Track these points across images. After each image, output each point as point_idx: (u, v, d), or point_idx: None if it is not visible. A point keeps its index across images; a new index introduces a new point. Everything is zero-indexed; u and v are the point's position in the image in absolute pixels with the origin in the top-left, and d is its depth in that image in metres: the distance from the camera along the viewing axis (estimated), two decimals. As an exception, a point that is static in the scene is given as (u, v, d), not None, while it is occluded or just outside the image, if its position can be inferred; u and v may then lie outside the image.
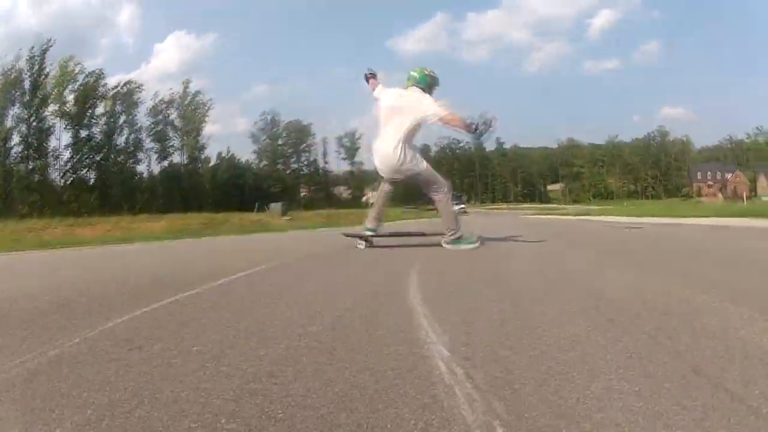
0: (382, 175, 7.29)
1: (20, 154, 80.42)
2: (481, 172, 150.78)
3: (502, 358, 1.93)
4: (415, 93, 6.90)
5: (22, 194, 73.54)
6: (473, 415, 1.45)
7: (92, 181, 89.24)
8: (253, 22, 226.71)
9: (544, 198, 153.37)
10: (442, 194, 7.02)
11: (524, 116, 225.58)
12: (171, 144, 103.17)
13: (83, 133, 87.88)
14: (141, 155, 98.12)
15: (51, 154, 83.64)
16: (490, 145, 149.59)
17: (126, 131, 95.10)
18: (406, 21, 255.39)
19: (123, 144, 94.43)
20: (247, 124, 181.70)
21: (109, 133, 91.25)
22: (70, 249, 12.03)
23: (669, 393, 1.57)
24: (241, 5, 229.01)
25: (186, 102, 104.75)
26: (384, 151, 6.92)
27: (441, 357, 1.96)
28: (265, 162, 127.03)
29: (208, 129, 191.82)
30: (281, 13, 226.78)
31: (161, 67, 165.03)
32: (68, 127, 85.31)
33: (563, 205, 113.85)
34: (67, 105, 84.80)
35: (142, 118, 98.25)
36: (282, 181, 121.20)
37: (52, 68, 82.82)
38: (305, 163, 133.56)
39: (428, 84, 7.02)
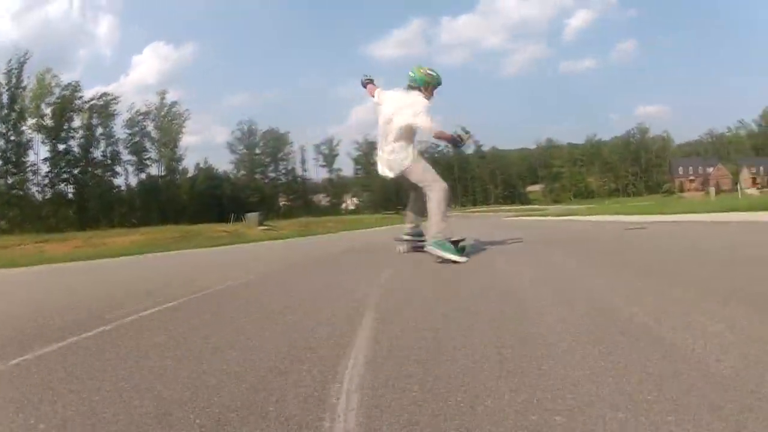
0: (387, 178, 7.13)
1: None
2: (460, 175, 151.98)
3: None
4: (410, 97, 6.75)
5: (2, 209, 75.11)
6: None
7: (70, 195, 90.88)
8: (231, 32, 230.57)
9: (524, 199, 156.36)
10: (433, 193, 6.64)
11: (502, 118, 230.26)
12: (148, 156, 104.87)
13: (60, 147, 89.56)
14: (118, 168, 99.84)
15: (29, 168, 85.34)
16: (468, 147, 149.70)
17: (103, 144, 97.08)
18: (381, 27, 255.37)
19: (100, 157, 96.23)
20: (226, 135, 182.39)
21: (86, 146, 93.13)
22: (34, 267, 11.80)
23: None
24: (218, 15, 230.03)
25: (162, 113, 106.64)
26: (381, 157, 6.97)
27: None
28: (243, 172, 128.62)
29: (186, 140, 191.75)
30: (259, 22, 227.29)
31: (140, 78, 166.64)
32: (45, 140, 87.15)
33: (544, 206, 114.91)
34: (45, 118, 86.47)
35: (119, 130, 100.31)
36: (260, 191, 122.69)
37: (29, 81, 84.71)
38: (283, 171, 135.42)
39: (425, 83, 6.81)
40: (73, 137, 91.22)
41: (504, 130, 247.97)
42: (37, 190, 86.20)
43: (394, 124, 6.67)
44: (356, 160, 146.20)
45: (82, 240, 23.11)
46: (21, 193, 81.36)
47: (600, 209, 38.28)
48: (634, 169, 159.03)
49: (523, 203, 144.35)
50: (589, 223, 17.83)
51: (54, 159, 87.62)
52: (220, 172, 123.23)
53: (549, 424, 1.41)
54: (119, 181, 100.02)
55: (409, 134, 6.74)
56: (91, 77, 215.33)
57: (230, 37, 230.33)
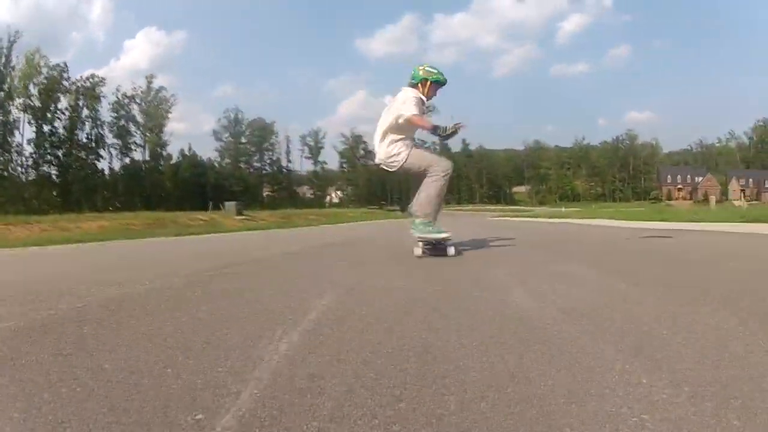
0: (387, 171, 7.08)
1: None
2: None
3: None
4: (404, 94, 6.83)
5: (-13, 190, 74.55)
6: None
7: (53, 177, 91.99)
8: (223, 22, 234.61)
9: (509, 200, 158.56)
10: (429, 178, 6.63)
11: (491, 118, 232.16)
12: (133, 140, 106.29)
13: (46, 128, 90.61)
14: (102, 152, 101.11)
15: (15, 149, 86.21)
16: (455, 146, 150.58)
17: (88, 126, 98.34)
18: (374, 22, 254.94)
19: (84, 139, 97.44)
20: (214, 124, 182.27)
21: (72, 128, 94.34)
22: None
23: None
24: (211, 3, 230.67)
25: (149, 97, 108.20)
26: (378, 154, 6.99)
27: None
28: (227, 160, 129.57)
29: (174, 127, 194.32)
30: (251, 13, 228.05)
31: (131, 63, 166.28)
32: (32, 121, 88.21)
33: (530, 207, 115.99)
34: (32, 98, 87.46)
35: (105, 113, 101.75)
36: (244, 180, 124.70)
37: (18, 61, 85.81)
38: (268, 162, 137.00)
39: (422, 80, 6.87)
40: (59, 118, 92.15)
41: (492, 130, 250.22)
42: (21, 171, 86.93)
43: (385, 120, 6.83)
44: (342, 154, 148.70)
45: (50, 223, 23.21)
46: (5, 173, 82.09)
47: (592, 213, 37.72)
48: (622, 174, 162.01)
49: (508, 204, 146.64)
50: (592, 228, 16.25)
51: (39, 140, 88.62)
52: (205, 159, 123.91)
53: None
54: (103, 164, 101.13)
55: (401, 129, 6.79)
56: (84, 60, 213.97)
57: (222, 27, 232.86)
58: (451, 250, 6.57)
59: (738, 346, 2.09)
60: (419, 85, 6.87)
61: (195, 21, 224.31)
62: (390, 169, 6.88)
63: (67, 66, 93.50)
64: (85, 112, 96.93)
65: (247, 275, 5.11)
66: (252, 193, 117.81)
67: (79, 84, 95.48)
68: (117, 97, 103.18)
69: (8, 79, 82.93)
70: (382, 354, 2.10)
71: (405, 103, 6.67)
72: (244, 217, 38.43)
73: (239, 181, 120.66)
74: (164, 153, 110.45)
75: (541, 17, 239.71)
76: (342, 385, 1.73)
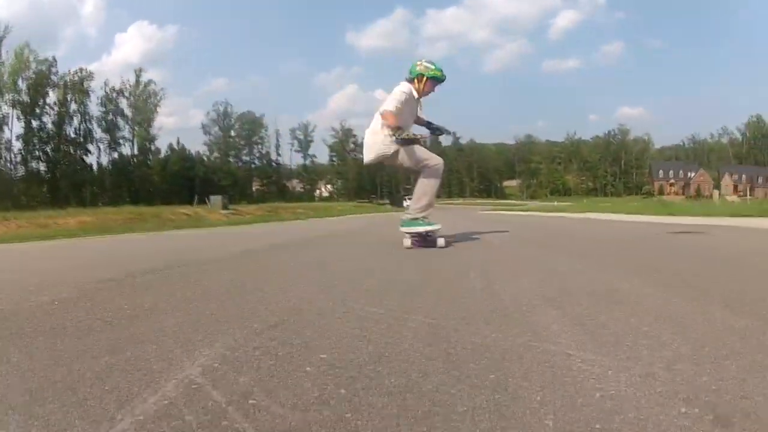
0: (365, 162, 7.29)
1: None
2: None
3: None
4: (396, 87, 6.88)
5: (-26, 187, 75.21)
6: None
7: (42, 173, 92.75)
8: (214, 16, 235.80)
9: (500, 194, 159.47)
10: (427, 173, 6.79)
11: (482, 112, 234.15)
12: (121, 135, 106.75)
13: (34, 123, 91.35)
14: (91, 146, 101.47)
15: (3, 145, 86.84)
16: (446, 140, 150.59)
17: (76, 121, 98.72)
18: (366, 16, 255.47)
19: (73, 134, 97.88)
20: (204, 117, 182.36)
21: (60, 123, 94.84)
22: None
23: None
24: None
25: (138, 91, 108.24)
26: (365, 141, 7.11)
27: None
28: (216, 154, 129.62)
29: (164, 121, 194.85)
30: (242, 6, 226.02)
31: (122, 58, 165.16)
32: (20, 117, 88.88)
33: (522, 201, 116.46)
34: (21, 93, 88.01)
35: (94, 108, 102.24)
36: (233, 174, 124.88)
37: (8, 56, 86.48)
38: (257, 155, 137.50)
39: (419, 75, 6.92)
40: (47, 113, 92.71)
41: (483, 125, 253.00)
42: (10, 168, 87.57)
43: (377, 113, 6.86)
44: (332, 147, 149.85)
45: (28, 220, 22.95)
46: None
47: (588, 207, 36.40)
48: (614, 169, 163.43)
49: (498, 198, 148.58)
50: (601, 223, 14.89)
51: (27, 135, 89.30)
52: (193, 153, 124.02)
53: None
54: (91, 159, 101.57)
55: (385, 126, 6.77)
56: (75, 56, 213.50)
57: (214, 21, 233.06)
58: (441, 242, 6.60)
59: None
60: (415, 80, 6.93)
61: (187, 15, 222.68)
62: (368, 156, 6.95)
63: (55, 60, 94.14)
64: (74, 106, 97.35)
65: (146, 288, 3.89)
66: (241, 187, 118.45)
67: (67, 78, 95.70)
68: (105, 92, 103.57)
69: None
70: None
71: (389, 97, 6.77)
72: (229, 211, 37.80)
73: (228, 175, 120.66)
74: (153, 147, 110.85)
75: (533, 13, 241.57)
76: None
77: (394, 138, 6.64)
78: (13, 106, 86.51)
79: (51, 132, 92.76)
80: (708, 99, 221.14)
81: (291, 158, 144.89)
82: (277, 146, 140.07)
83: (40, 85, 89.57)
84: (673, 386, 1.58)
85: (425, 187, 6.76)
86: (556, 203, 76.40)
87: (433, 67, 6.96)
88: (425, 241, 6.74)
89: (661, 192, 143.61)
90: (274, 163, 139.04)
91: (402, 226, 6.82)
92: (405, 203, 8.40)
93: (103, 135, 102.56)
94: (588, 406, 1.46)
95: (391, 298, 3.16)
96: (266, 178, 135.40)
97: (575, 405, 1.47)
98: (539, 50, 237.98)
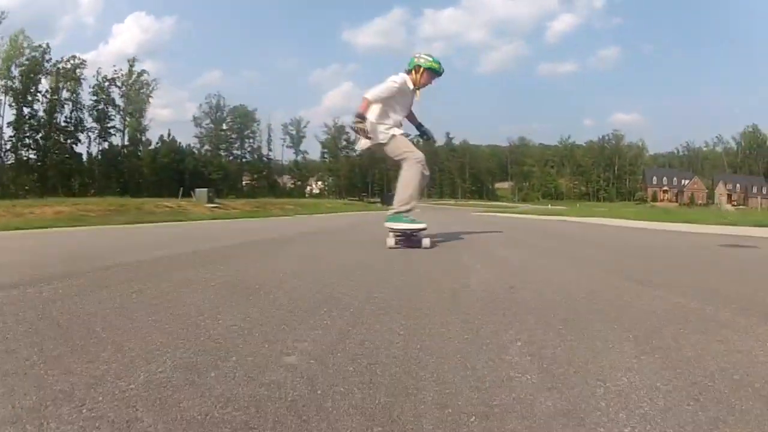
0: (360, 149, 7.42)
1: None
2: (428, 167, 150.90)
3: None
4: (391, 77, 6.92)
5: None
6: None
7: (31, 161, 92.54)
8: (212, 9, 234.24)
9: (491, 196, 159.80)
10: (407, 165, 6.82)
11: (475, 113, 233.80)
12: (112, 125, 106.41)
13: (26, 110, 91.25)
14: (81, 136, 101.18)
15: None
16: (439, 139, 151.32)
17: (67, 109, 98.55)
18: (363, 14, 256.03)
19: (64, 123, 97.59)
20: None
21: (51, 111, 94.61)
22: None
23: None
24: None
25: (130, 81, 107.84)
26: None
27: None
28: (207, 147, 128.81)
29: (159, 113, 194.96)
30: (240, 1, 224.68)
31: (119, 48, 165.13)
32: (12, 104, 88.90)
33: (513, 204, 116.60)
34: (14, 80, 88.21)
35: (85, 96, 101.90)
36: (224, 168, 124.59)
37: (2, 42, 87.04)
38: (248, 149, 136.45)
39: (416, 66, 6.97)
40: (38, 101, 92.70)
41: (476, 126, 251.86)
42: (0, 155, 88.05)
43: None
44: (324, 144, 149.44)
45: (5, 209, 22.06)
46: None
47: (585, 211, 34.96)
48: (607, 174, 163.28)
49: (490, 199, 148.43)
50: (620, 230, 12.98)
51: (18, 123, 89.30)
52: (184, 146, 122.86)
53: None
54: (81, 148, 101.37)
55: (380, 112, 6.83)
56: (72, 45, 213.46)
57: (211, 14, 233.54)
58: (426, 242, 6.53)
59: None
60: (413, 71, 6.99)
61: (184, 6, 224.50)
62: (360, 143, 7.02)
63: (49, 47, 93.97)
64: (65, 94, 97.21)
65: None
66: (231, 181, 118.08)
67: (60, 66, 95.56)
68: (98, 80, 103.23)
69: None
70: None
71: (378, 85, 6.81)
72: (214, 205, 37.46)
73: (219, 169, 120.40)
74: (144, 138, 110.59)
75: (531, 15, 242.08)
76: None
77: (389, 128, 6.82)
78: (6, 93, 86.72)
79: (42, 120, 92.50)
80: (703, 107, 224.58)
81: (283, 154, 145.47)
82: (269, 141, 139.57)
83: (33, 71, 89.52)
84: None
85: (405, 180, 6.80)
86: (549, 206, 75.98)
87: (430, 58, 7.05)
88: (410, 241, 6.71)
89: (654, 199, 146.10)
90: (265, 158, 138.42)
91: (386, 221, 6.82)
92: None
93: (94, 124, 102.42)
94: None
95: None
96: (257, 172, 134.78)
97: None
98: (536, 53, 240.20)
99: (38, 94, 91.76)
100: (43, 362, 1.89)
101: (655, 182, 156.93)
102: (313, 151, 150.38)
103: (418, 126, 7.62)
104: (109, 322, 2.55)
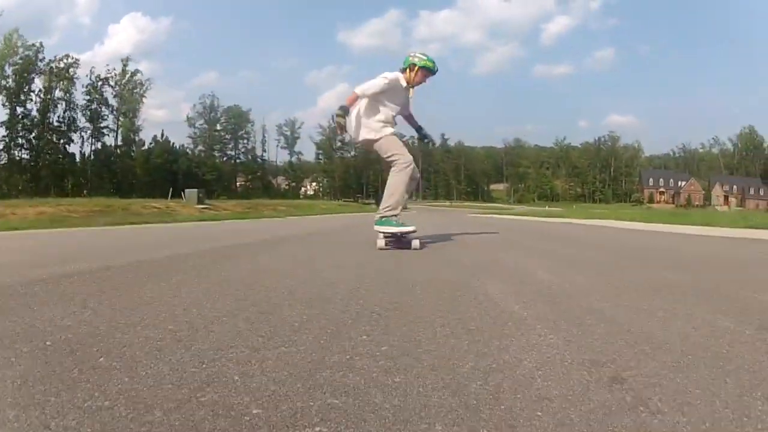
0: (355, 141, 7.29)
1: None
2: (423, 168, 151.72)
3: None
4: (383, 73, 6.85)
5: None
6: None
7: (24, 161, 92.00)
8: (208, 10, 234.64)
9: (486, 197, 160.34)
10: (396, 169, 6.75)
11: (470, 114, 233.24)
12: (106, 125, 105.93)
13: (19, 110, 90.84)
14: (74, 135, 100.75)
15: None
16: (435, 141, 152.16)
17: (60, 109, 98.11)
18: (359, 16, 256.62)
19: (56, 122, 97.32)
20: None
21: (44, 111, 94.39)
22: None
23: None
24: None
25: (124, 81, 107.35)
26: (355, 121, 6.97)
27: None
28: (200, 147, 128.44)
29: (154, 114, 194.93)
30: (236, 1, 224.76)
31: (115, 49, 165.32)
32: (6, 103, 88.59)
33: (509, 205, 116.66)
34: (7, 79, 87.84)
35: (79, 96, 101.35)
36: (217, 168, 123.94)
37: None
38: (242, 150, 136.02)
39: (410, 65, 6.90)
40: (31, 100, 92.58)
41: (472, 127, 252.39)
42: None
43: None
44: (318, 145, 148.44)
45: None
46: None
47: (584, 213, 33.72)
48: (603, 176, 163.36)
49: (485, 201, 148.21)
50: (643, 234, 11.86)
51: (11, 122, 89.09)
52: (178, 146, 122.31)
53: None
54: (74, 149, 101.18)
55: (371, 107, 6.83)
56: (68, 45, 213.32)
57: (207, 15, 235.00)
58: (416, 243, 6.55)
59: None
60: (407, 69, 6.94)
61: (180, 7, 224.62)
62: (354, 135, 6.98)
63: (42, 46, 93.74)
64: (59, 94, 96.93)
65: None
66: (225, 182, 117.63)
67: (53, 65, 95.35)
68: (91, 79, 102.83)
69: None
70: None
71: (369, 81, 6.79)
72: (204, 206, 36.69)
73: (212, 170, 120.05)
74: (137, 138, 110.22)
75: (526, 17, 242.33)
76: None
77: (381, 125, 6.80)
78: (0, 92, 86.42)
79: (35, 119, 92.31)
80: (699, 109, 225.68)
81: (277, 155, 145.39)
82: (264, 142, 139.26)
83: (26, 70, 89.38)
84: None
85: (393, 186, 6.78)
86: (547, 208, 75.65)
87: (425, 57, 7.03)
88: (400, 242, 6.77)
89: (651, 200, 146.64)
90: (259, 159, 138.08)
91: (375, 224, 6.83)
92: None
93: (87, 124, 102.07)
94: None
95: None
96: (251, 173, 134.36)
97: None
98: (531, 54, 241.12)
99: (31, 93, 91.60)
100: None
101: (651, 184, 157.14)
102: (308, 152, 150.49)
103: (418, 129, 7.69)
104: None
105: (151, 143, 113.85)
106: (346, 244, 8.18)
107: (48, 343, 2.11)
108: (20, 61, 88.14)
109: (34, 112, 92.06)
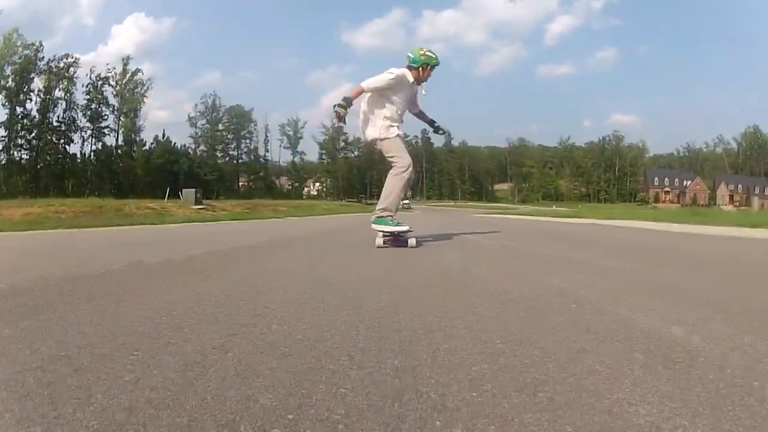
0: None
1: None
2: (427, 167, 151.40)
3: None
4: (390, 69, 6.94)
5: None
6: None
7: (24, 161, 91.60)
8: (211, 10, 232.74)
9: (490, 197, 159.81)
10: (395, 171, 6.92)
11: (474, 114, 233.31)
12: (106, 125, 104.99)
13: (19, 110, 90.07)
14: (74, 136, 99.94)
15: None
16: (438, 140, 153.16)
17: (60, 109, 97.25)
18: (362, 15, 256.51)
19: (56, 122, 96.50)
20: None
21: (44, 111, 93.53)
22: None
23: None
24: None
25: (124, 80, 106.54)
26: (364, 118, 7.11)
27: None
28: (202, 147, 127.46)
29: (157, 114, 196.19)
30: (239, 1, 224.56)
31: (118, 49, 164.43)
32: (5, 103, 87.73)
33: (514, 205, 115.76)
34: (7, 79, 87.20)
35: (79, 96, 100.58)
36: (219, 169, 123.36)
37: None
38: (245, 150, 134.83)
39: (423, 64, 6.96)
40: (31, 100, 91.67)
41: (475, 127, 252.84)
42: None
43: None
44: (322, 145, 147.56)
45: None
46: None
47: (600, 213, 29.75)
48: (608, 175, 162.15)
49: (489, 201, 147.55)
50: (700, 239, 9.94)
51: (10, 122, 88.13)
52: (179, 147, 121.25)
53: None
54: (74, 149, 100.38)
55: (373, 105, 6.95)
56: (72, 46, 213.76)
57: (210, 15, 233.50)
58: (412, 242, 6.77)
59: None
60: (420, 68, 7.00)
61: (183, 8, 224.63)
62: (364, 136, 7.22)
63: (42, 45, 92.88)
64: (58, 93, 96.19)
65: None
66: (227, 182, 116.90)
67: (52, 65, 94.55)
68: (91, 79, 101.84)
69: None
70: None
71: (376, 76, 6.86)
72: (201, 206, 35.44)
73: (214, 170, 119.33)
74: (138, 139, 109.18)
75: (529, 18, 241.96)
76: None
77: (388, 124, 6.92)
78: None
79: (35, 119, 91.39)
80: (702, 108, 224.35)
81: (280, 155, 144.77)
82: (266, 141, 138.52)
83: (25, 70, 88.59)
84: None
85: (389, 188, 6.97)
86: (555, 207, 74.74)
87: (433, 55, 7.09)
88: (397, 240, 6.96)
89: (656, 200, 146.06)
90: (262, 159, 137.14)
91: (372, 223, 7.00)
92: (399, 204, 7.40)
93: (87, 124, 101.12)
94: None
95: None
96: (253, 173, 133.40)
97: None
98: (534, 55, 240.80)
99: (31, 93, 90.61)
100: None
101: (656, 183, 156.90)
102: (311, 152, 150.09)
103: (431, 122, 7.90)
104: None
105: (152, 143, 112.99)
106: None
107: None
108: (19, 61, 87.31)
109: (34, 112, 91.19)
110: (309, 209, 51.77)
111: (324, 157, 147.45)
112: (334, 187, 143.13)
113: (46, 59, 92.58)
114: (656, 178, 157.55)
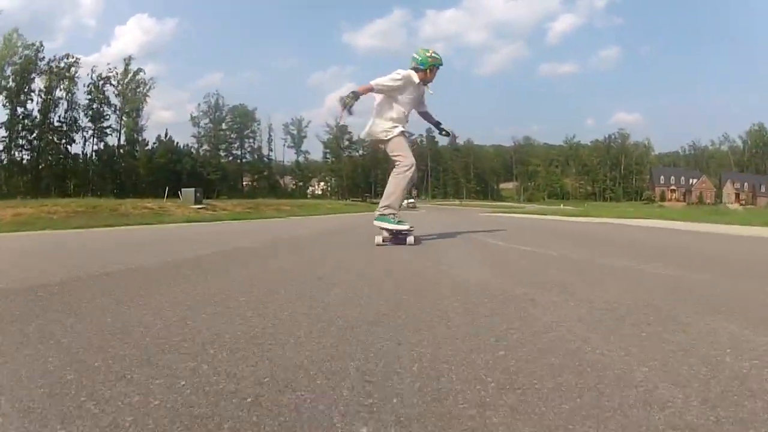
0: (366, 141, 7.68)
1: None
2: (432, 167, 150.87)
3: None
4: (397, 70, 7.03)
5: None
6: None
7: (25, 161, 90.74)
8: (213, 11, 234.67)
9: (496, 196, 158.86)
10: (398, 170, 7.01)
11: (478, 114, 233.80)
12: (108, 125, 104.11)
13: (19, 110, 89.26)
14: (76, 136, 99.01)
15: None
16: (443, 140, 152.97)
17: (62, 109, 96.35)
18: (364, 15, 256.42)
19: (57, 123, 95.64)
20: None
21: (45, 111, 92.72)
22: None
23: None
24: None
25: (126, 80, 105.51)
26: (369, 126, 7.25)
27: None
28: (205, 147, 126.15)
29: (160, 115, 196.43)
30: (242, 1, 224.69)
31: (121, 50, 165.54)
32: (6, 103, 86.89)
33: (519, 204, 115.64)
34: (8, 79, 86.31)
35: (81, 96, 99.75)
36: (222, 168, 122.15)
37: None
38: (248, 150, 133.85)
39: (430, 66, 7.06)
40: (32, 100, 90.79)
41: (480, 126, 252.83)
42: None
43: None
44: (326, 144, 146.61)
45: None
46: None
47: (613, 212, 29.18)
48: (613, 174, 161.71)
49: (495, 199, 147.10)
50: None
51: (11, 123, 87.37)
52: (182, 146, 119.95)
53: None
54: (76, 149, 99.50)
55: (381, 106, 7.04)
56: (74, 47, 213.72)
57: (212, 16, 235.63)
58: (410, 239, 6.88)
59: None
60: (427, 70, 7.12)
61: (186, 8, 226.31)
62: (366, 137, 7.37)
63: (42, 45, 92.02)
64: (59, 93, 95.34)
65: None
66: (231, 182, 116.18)
67: (53, 65, 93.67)
68: (92, 78, 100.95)
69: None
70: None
71: (384, 76, 6.96)
72: (201, 206, 34.80)
73: (217, 169, 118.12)
74: (140, 138, 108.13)
75: (531, 17, 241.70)
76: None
77: (392, 124, 7.02)
78: (0, 92, 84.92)
79: (36, 120, 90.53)
80: (706, 106, 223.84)
81: (284, 154, 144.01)
82: (270, 141, 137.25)
83: (26, 70, 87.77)
84: None
85: (392, 187, 7.06)
86: (562, 206, 74.13)
87: (438, 57, 7.18)
88: (397, 239, 7.00)
89: (662, 198, 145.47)
90: (265, 159, 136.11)
91: (375, 220, 7.07)
92: (404, 203, 7.83)
93: (89, 124, 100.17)
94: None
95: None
96: (257, 173, 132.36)
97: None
98: (536, 54, 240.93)
99: (32, 93, 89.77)
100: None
101: (662, 181, 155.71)
102: (316, 151, 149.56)
103: (437, 125, 7.93)
104: None
105: (155, 143, 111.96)
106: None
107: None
108: (20, 61, 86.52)
109: (35, 113, 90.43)
110: (313, 208, 51.36)
111: (328, 156, 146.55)
112: (338, 186, 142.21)
113: (46, 59, 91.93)
114: (662, 177, 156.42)
